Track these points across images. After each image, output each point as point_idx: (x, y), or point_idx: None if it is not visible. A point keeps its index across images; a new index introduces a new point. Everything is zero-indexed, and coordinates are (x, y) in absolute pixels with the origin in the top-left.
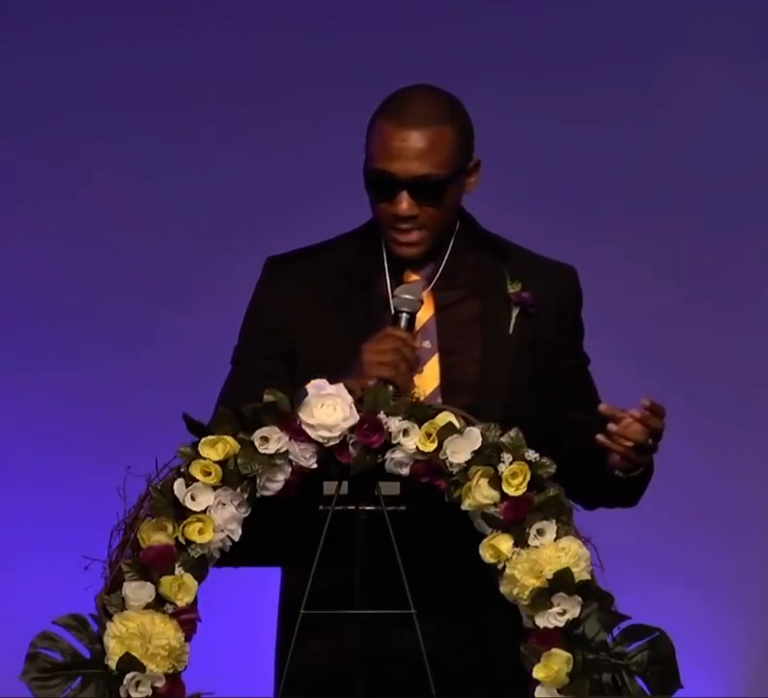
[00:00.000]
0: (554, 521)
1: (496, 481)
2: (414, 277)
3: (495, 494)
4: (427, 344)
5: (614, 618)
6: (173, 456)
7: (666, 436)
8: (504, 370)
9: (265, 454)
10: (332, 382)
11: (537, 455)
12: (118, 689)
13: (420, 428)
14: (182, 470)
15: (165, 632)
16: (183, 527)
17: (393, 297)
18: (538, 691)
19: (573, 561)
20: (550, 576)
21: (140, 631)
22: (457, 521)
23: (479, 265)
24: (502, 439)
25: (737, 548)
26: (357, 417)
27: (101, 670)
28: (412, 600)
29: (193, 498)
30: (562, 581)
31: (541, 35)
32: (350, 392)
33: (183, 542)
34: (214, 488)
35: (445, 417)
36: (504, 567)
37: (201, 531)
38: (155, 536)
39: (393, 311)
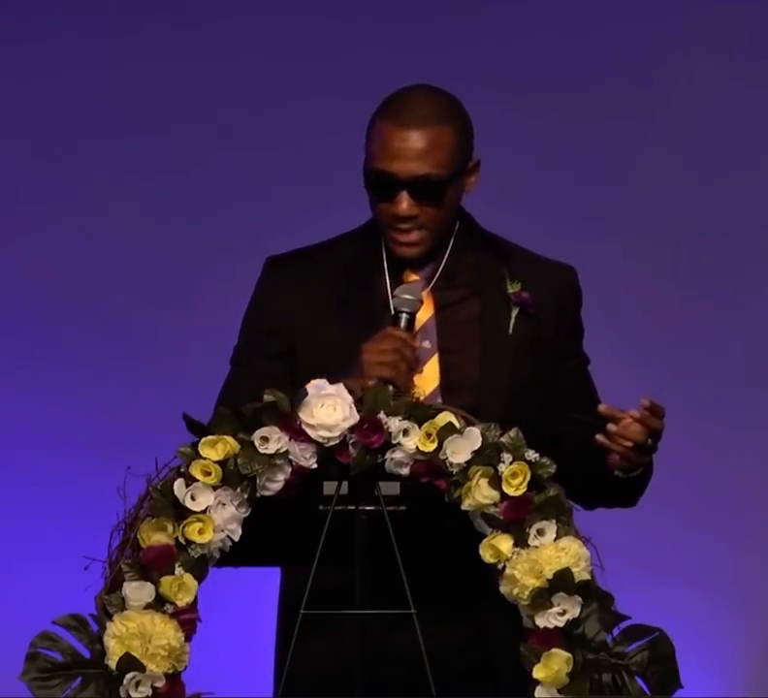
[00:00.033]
0: (554, 521)
1: (495, 481)
2: (414, 277)
3: (495, 494)
4: (426, 344)
5: (614, 618)
6: (173, 456)
7: (666, 436)
8: (504, 370)
9: (265, 454)
10: (332, 382)
11: (537, 455)
12: (118, 689)
13: (420, 428)
14: (182, 470)
15: (165, 632)
16: (183, 527)
17: (393, 297)
18: (538, 691)
19: (573, 561)
20: (550, 576)
21: (140, 631)
22: (457, 521)
23: (479, 265)
24: (502, 439)
25: (737, 548)
26: (357, 417)
27: (101, 670)
28: (412, 600)
29: (193, 498)
30: (562, 581)
31: (541, 35)
32: (350, 392)
33: (183, 542)
34: (214, 488)
35: (445, 417)
36: (504, 567)
37: (201, 531)
38: (155, 536)
39: (393, 311)
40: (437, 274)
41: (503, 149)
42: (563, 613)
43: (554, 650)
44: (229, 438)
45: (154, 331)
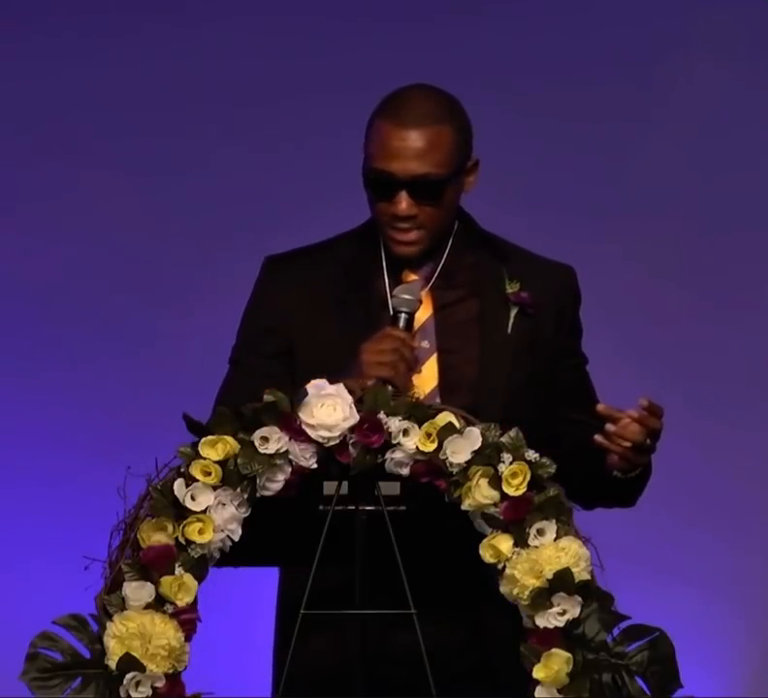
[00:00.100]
0: (554, 521)
1: (495, 481)
2: (413, 277)
3: (495, 494)
4: (425, 344)
5: (614, 618)
6: (173, 456)
7: (665, 436)
8: (503, 370)
9: (265, 454)
10: (331, 382)
11: (537, 455)
12: (118, 689)
13: (420, 428)
14: (182, 470)
15: (165, 632)
16: (183, 527)
17: (392, 297)
18: (538, 691)
19: (573, 561)
20: (550, 576)
21: (140, 631)
22: (457, 521)
23: (478, 265)
24: (502, 439)
25: (737, 548)
26: (357, 417)
27: (101, 670)
28: (412, 600)
29: (193, 498)
30: (562, 581)
31: (541, 35)
32: (350, 392)
33: (183, 542)
34: (214, 488)
35: (445, 417)
36: (504, 567)
37: (201, 531)
38: (155, 536)
39: (391, 311)
40: (436, 274)
41: (503, 149)
42: (563, 613)
43: (554, 650)
44: (229, 438)
45: (154, 331)
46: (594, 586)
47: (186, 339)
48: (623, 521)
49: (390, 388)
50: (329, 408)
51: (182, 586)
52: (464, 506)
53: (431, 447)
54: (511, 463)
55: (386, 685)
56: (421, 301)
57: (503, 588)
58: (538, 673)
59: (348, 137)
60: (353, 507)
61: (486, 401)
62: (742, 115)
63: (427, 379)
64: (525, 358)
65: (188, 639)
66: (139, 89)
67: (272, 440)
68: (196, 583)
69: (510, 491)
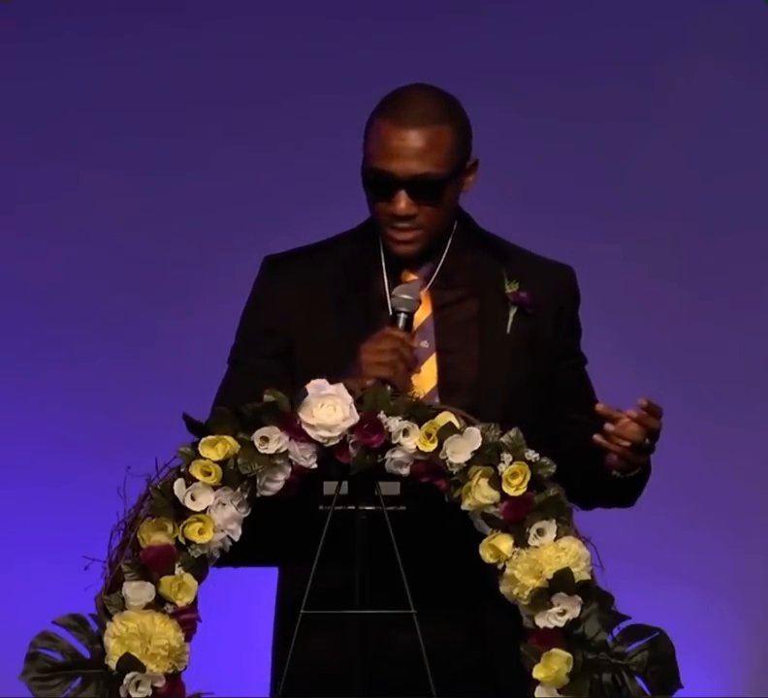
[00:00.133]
0: (554, 521)
1: (496, 481)
2: (412, 277)
3: (495, 494)
4: (425, 344)
5: (614, 618)
6: (173, 456)
7: (665, 436)
8: (502, 370)
9: (265, 454)
10: (331, 382)
11: (537, 455)
12: (118, 689)
13: (420, 428)
14: (182, 470)
15: (165, 632)
16: (183, 527)
17: (391, 296)
18: (538, 691)
19: (573, 561)
20: (550, 576)
21: (140, 631)
22: (457, 521)
23: (477, 264)
24: (502, 439)
25: (736, 548)
26: (357, 417)
27: (101, 670)
28: (412, 600)
29: (193, 498)
30: (562, 581)
31: (541, 35)
32: (350, 392)
33: (183, 542)
34: (214, 488)
35: (445, 417)
36: (504, 567)
37: (201, 531)
38: (155, 536)
39: (391, 311)
40: (435, 274)
41: (503, 149)
42: (563, 613)
43: (554, 650)
44: (229, 438)
45: (154, 331)
46: (594, 586)
47: (186, 339)
48: (623, 521)
49: (389, 388)
50: (329, 408)
51: (182, 586)
52: (464, 506)
53: (431, 447)
54: (511, 463)
55: (386, 685)
56: (420, 301)
57: (503, 588)
58: (538, 673)
59: (348, 137)
60: (353, 507)
61: (485, 401)
62: (742, 115)
63: (426, 379)
64: (524, 358)
65: (188, 639)
66: (139, 89)
67: (271, 440)
68: (196, 583)
69: (510, 491)
